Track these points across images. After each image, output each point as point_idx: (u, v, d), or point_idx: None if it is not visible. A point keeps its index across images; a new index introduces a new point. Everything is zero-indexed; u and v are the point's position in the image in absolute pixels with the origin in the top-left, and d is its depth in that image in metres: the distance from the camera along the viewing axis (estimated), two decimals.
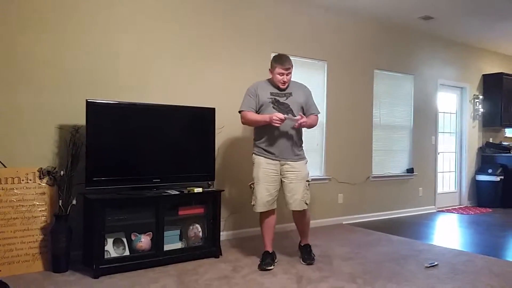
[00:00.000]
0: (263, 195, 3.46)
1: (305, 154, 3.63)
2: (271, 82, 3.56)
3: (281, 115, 3.30)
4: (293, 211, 3.58)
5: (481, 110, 7.41)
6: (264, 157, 3.49)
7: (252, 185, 3.57)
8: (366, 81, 5.76)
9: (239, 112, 3.56)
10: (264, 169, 3.48)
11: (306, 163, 3.60)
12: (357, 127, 5.64)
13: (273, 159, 3.48)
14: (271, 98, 3.48)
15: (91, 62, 3.68)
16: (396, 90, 6.19)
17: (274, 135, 3.44)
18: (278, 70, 3.47)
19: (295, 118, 3.36)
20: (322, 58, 5.27)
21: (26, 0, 3.40)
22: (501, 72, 7.41)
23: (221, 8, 4.45)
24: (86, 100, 3.31)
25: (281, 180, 3.52)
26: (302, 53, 5.05)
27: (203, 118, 3.91)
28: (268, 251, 3.56)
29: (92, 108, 3.31)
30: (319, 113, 3.70)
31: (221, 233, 3.95)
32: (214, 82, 4.40)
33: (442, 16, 5.62)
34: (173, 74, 4.14)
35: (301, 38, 5.07)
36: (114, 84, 3.79)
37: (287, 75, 3.48)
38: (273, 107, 3.45)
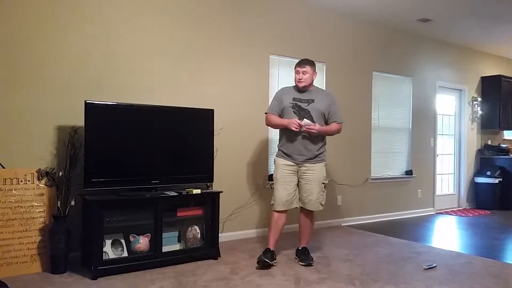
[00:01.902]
0: (282, 195, 3.59)
1: (324, 157, 3.70)
2: (296, 87, 3.73)
3: (298, 121, 3.46)
4: (301, 212, 3.70)
5: (480, 112, 7.44)
6: (283, 158, 3.64)
7: (272, 186, 3.74)
8: (364, 83, 5.78)
9: (265, 113, 3.77)
10: (282, 170, 3.61)
11: (324, 165, 3.69)
12: (356, 129, 5.65)
13: (291, 161, 3.61)
14: (293, 103, 3.63)
15: (90, 63, 3.69)
16: (394, 92, 6.20)
17: (292, 139, 3.59)
18: (295, 69, 3.68)
19: (310, 124, 3.49)
20: (321, 60, 5.28)
21: (25, 2, 3.41)
22: (499, 75, 7.43)
23: (220, 9, 4.46)
24: (85, 101, 3.31)
25: (298, 180, 3.63)
26: (300, 54, 5.03)
27: (202, 119, 3.92)
28: (269, 248, 3.64)
29: (90, 109, 3.31)
30: (342, 121, 3.77)
31: (220, 234, 3.96)
32: (213, 83, 4.40)
33: (440, 18, 5.64)
34: (172, 75, 4.14)
35: (300, 40, 5.09)
36: (113, 85, 3.80)
37: (302, 73, 3.62)
38: (294, 112, 3.60)
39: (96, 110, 3.35)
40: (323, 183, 3.65)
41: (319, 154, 3.64)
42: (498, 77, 7.39)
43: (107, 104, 3.44)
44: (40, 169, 3.35)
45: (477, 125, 7.50)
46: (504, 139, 8.00)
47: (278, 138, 3.78)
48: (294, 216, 3.85)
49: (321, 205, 3.65)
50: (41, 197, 3.35)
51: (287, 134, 3.61)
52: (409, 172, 6.29)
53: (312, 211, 3.68)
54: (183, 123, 3.82)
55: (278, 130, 3.77)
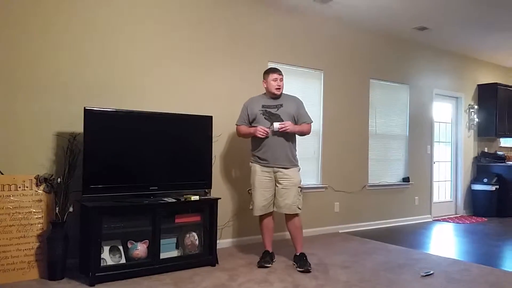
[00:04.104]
0: (259, 200, 3.71)
1: (298, 162, 3.81)
2: (265, 95, 3.83)
3: (264, 128, 3.59)
4: (286, 217, 3.78)
5: (476, 120, 7.48)
6: (260, 165, 3.73)
7: (250, 191, 3.82)
8: (362, 91, 5.81)
9: (236, 125, 3.90)
10: (259, 176, 3.71)
11: (299, 170, 3.79)
12: (353, 136, 5.67)
13: (267, 166, 3.69)
14: (262, 110, 3.73)
15: (89, 69, 3.70)
16: (391, 100, 6.23)
17: (267, 144, 3.67)
18: (272, 76, 3.73)
19: (279, 124, 3.58)
20: (319, 67, 5.32)
21: (25, 8, 3.42)
22: (496, 82, 7.48)
23: (220, 17, 4.49)
24: (84, 107, 3.33)
25: (275, 185, 3.72)
26: (299, 62, 5.10)
27: (201, 126, 3.93)
28: (267, 251, 3.80)
29: (89, 115, 3.33)
30: (312, 122, 3.89)
31: (218, 241, 3.94)
32: (212, 90, 4.42)
33: (437, 26, 5.69)
34: (171, 82, 4.16)
35: (298, 48, 5.12)
36: (112, 91, 3.81)
37: (280, 80, 3.71)
38: (265, 118, 3.70)
39: (95, 116, 3.36)
40: (299, 187, 3.72)
41: (293, 159, 3.74)
42: (495, 85, 7.44)
43: (106, 110, 3.46)
44: (38, 175, 3.35)
45: (474, 133, 7.54)
46: (501, 147, 8.04)
47: (251, 144, 3.85)
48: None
49: (298, 208, 3.71)
50: (39, 203, 3.34)
51: (261, 140, 3.68)
52: (406, 179, 6.31)
53: (296, 214, 3.73)
54: (181, 129, 3.84)
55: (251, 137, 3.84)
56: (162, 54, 4.11)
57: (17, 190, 3.26)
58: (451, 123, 7.36)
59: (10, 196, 3.23)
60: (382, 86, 6.09)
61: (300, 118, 3.78)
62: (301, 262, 3.65)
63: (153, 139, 3.67)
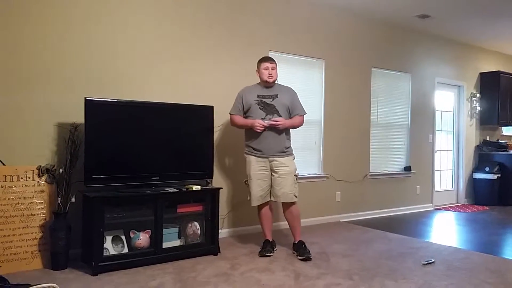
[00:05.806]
0: (256, 191, 3.74)
1: (292, 151, 3.84)
2: (259, 84, 3.82)
3: (261, 122, 3.62)
4: (283, 206, 3.81)
5: (478, 108, 7.45)
6: (254, 155, 3.76)
7: (246, 182, 3.83)
8: (363, 79, 5.78)
9: (229, 114, 3.87)
10: (255, 167, 3.74)
11: (293, 159, 3.83)
12: (354, 125, 5.66)
13: (262, 157, 3.72)
14: (258, 100, 3.73)
15: (90, 60, 3.69)
16: (393, 88, 6.21)
17: (262, 135, 3.69)
18: (264, 65, 3.73)
19: (273, 120, 3.63)
20: (320, 56, 5.29)
21: (26, 1, 3.41)
22: (498, 71, 7.43)
23: (220, 6, 4.45)
24: (85, 98, 3.32)
25: (271, 174, 3.74)
26: (300, 51, 5.07)
27: (202, 116, 3.92)
28: (268, 240, 3.83)
29: (90, 106, 3.32)
30: (305, 113, 3.88)
31: (220, 230, 3.97)
32: (213, 80, 4.41)
33: (439, 14, 5.64)
34: (172, 72, 4.15)
35: (299, 36, 5.09)
36: (113, 82, 3.80)
37: (272, 69, 3.71)
38: (260, 108, 3.71)
39: (96, 107, 3.35)
40: (295, 175, 3.74)
41: (288, 148, 3.77)
42: (497, 73, 7.39)
43: (107, 101, 3.45)
44: (40, 166, 3.36)
45: (476, 121, 7.52)
46: (503, 135, 8.02)
47: (244, 135, 3.88)
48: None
49: (295, 196, 3.74)
50: (42, 193, 3.36)
51: (255, 131, 3.69)
52: (407, 168, 6.31)
53: (293, 203, 3.75)
54: (183, 119, 3.83)
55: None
56: (162, 43, 4.09)
57: (19, 180, 3.27)
58: (453, 111, 7.34)
59: (12, 186, 3.24)
60: (384, 75, 6.06)
61: (294, 110, 3.78)
62: (301, 250, 3.68)
63: (154, 129, 3.66)
